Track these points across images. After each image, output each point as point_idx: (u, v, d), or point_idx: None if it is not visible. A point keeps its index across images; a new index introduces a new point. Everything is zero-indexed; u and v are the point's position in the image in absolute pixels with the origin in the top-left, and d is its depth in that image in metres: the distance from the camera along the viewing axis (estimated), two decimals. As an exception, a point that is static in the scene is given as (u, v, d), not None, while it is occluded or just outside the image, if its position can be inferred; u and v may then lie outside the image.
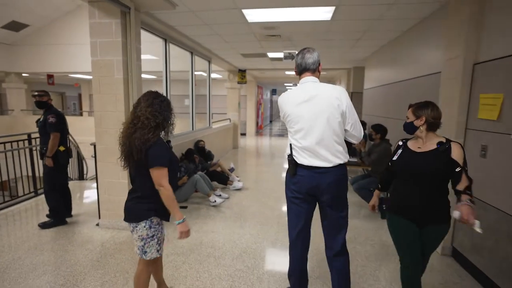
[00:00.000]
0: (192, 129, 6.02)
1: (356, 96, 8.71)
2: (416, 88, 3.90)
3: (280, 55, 6.64)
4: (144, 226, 1.81)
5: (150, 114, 1.75)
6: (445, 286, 2.49)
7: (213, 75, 8.84)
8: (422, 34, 3.80)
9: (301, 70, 1.99)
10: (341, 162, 1.92)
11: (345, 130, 1.94)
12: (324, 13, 3.72)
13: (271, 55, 6.82)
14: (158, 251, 1.89)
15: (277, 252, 3.02)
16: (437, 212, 1.84)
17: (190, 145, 5.26)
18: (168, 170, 1.78)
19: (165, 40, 4.55)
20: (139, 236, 1.83)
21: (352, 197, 4.56)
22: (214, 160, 5.76)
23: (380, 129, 4.06)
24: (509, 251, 2.22)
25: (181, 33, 4.70)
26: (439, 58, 3.23)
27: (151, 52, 6.27)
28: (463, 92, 2.76)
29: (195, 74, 6.10)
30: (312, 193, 1.96)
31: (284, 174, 6.62)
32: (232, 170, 5.90)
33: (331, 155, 1.89)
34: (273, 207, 4.30)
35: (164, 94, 4.64)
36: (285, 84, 17.12)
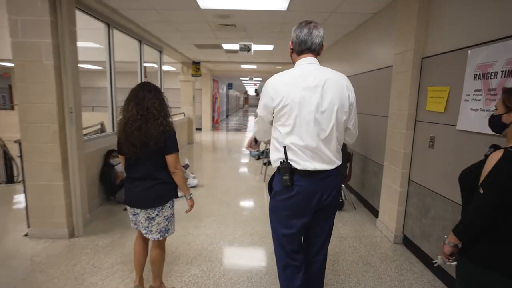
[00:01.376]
0: (142, 124, 5.59)
1: (311, 91, 8.85)
2: (371, 82, 3.99)
3: (236, 47, 6.44)
4: (169, 206, 2.01)
5: (160, 106, 1.90)
6: (399, 274, 2.56)
7: (165, 67, 8.34)
8: (375, 29, 3.89)
9: (303, 49, 1.57)
10: (340, 163, 1.64)
11: (347, 128, 1.64)
12: (280, 3, 3.61)
13: (226, 46, 6.59)
14: (174, 226, 2.12)
15: (235, 253, 2.87)
16: None
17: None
18: None
19: (108, 25, 4.09)
20: (165, 216, 1.99)
21: None
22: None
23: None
24: (455, 237, 2.32)
25: (126, 18, 4.27)
26: (392, 52, 3.31)
27: (95, 39, 5.67)
28: (413, 85, 2.85)
29: (145, 66, 5.65)
30: (313, 206, 1.59)
31: (243, 170, 6.41)
32: (186, 166, 5.61)
33: (333, 155, 1.58)
34: (230, 204, 4.14)
35: (108, 87, 4.28)
36: (241, 78, 16.96)
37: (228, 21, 4.49)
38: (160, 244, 2.10)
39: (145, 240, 2.16)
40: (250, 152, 7.58)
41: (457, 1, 2.36)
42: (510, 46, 1.87)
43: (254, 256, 2.83)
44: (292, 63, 1.69)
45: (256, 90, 31.43)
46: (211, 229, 3.31)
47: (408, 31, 2.87)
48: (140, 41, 5.37)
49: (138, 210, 1.97)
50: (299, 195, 1.56)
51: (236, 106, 35.58)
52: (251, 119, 21.94)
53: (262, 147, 7.60)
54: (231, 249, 2.92)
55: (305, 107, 1.50)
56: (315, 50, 1.60)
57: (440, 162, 2.52)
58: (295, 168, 1.54)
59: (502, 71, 1.93)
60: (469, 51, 2.21)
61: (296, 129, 1.52)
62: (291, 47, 1.64)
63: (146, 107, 1.85)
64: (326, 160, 1.56)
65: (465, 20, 2.28)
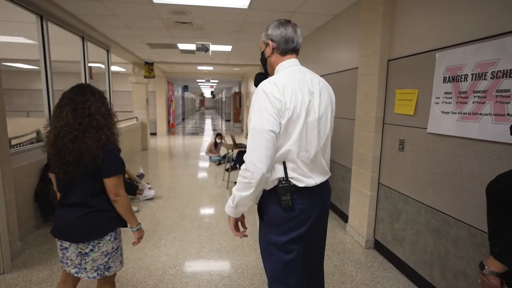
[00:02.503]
0: (88, 130, 4.96)
1: (270, 93, 8.78)
2: (335, 84, 3.92)
3: (192, 47, 6.08)
4: (110, 240, 1.59)
5: (107, 113, 1.57)
6: (375, 282, 2.47)
7: (113, 68, 7.63)
8: (337, 30, 3.85)
9: (289, 49, 1.41)
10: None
11: None
12: (241, 0, 3.39)
13: (181, 46, 6.20)
14: (121, 262, 1.71)
15: (201, 275, 2.56)
16: None
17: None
18: None
19: (41, 17, 3.51)
20: (103, 252, 1.58)
21: None
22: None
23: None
24: (428, 241, 2.30)
25: (63, 10, 3.72)
26: (355, 54, 3.27)
27: (27, 34, 4.91)
28: (380, 87, 2.81)
29: (90, 66, 5.03)
30: (314, 224, 1.42)
31: (204, 176, 6.04)
32: (141, 176, 5.12)
33: (327, 164, 1.47)
34: (192, 216, 3.80)
35: (44, 89, 3.68)
36: (198, 80, 16.46)
37: (184, 18, 4.15)
38: (109, 280, 1.70)
39: (73, 284, 1.72)
40: (210, 157, 7.25)
41: (423, 5, 2.35)
42: (479, 49, 1.87)
43: (224, 275, 2.55)
44: (255, 65, 1.52)
45: (212, 92, 30.90)
46: (173, 248, 2.96)
47: (373, 34, 2.83)
48: (83, 38, 4.76)
49: (67, 244, 1.54)
50: (299, 216, 1.37)
51: (192, 109, 34.68)
52: (208, 122, 21.43)
53: (222, 151, 7.32)
54: (197, 271, 2.61)
55: (311, 113, 1.34)
56: (298, 51, 1.47)
57: (411, 165, 2.49)
58: (294, 185, 1.34)
59: (472, 74, 1.91)
60: (437, 54, 2.19)
61: (302, 139, 1.32)
62: (272, 47, 1.43)
63: (88, 113, 1.49)
64: (322, 170, 1.43)
65: (432, 23, 2.26)
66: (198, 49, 5.29)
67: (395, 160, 2.68)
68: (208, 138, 12.37)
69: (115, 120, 1.63)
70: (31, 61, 8.23)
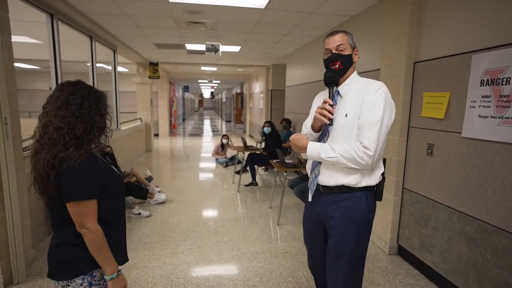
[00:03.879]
0: (95, 132, 4.85)
1: (276, 94, 8.72)
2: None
3: (200, 47, 6.00)
4: (81, 284, 1.18)
5: (64, 122, 1.12)
6: (405, 291, 2.40)
7: (118, 68, 7.51)
8: (354, 31, 3.77)
9: None
10: None
11: None
12: (259, 0, 3.31)
13: (189, 46, 6.11)
14: None
15: (224, 284, 2.47)
16: None
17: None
18: (106, 198, 1.20)
19: (51, 16, 3.41)
20: None
21: (288, 201, 4.34)
22: (126, 169, 4.77)
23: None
24: (462, 249, 2.23)
25: (74, 8, 3.61)
26: (375, 55, 3.20)
27: (30, 33, 4.79)
28: (406, 90, 2.74)
29: (96, 66, 4.92)
30: None
31: (211, 179, 5.94)
32: (150, 179, 5.02)
33: None
34: (207, 220, 3.71)
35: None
36: (199, 81, 16.36)
37: (198, 18, 4.06)
38: None
39: None
40: (217, 159, 7.15)
41: (455, 5, 2.28)
42: (524, 50, 1.80)
43: (249, 285, 2.45)
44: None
45: (212, 92, 30.79)
46: (192, 255, 2.86)
47: (399, 34, 2.76)
48: (91, 37, 4.66)
49: None
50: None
51: (191, 109, 34.57)
52: (207, 123, 21.34)
53: (229, 153, 7.23)
54: (220, 280, 2.52)
55: None
56: None
57: (442, 170, 2.41)
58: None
59: (516, 77, 1.85)
60: (472, 56, 2.12)
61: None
62: (357, 51, 1.61)
63: (43, 125, 1.14)
64: None
65: (466, 24, 2.19)
66: (208, 49, 5.19)
67: (423, 165, 2.61)
68: (209, 138, 12.28)
69: (106, 120, 1.25)
70: (32, 61, 8.11)
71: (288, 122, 6.20)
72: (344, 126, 1.45)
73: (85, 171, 1.13)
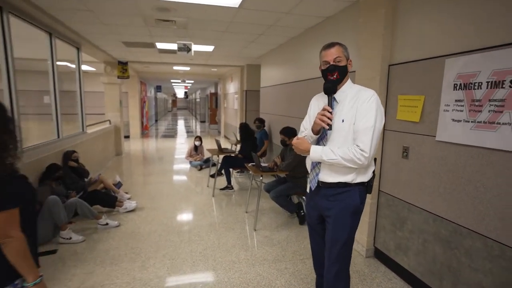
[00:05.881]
0: (58, 136, 4.49)
1: (251, 95, 8.63)
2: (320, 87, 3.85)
3: (172, 46, 5.77)
4: None
5: None
6: (383, 296, 2.39)
7: (83, 67, 7.07)
8: (328, 33, 3.76)
9: None
10: None
11: None
12: (232, -2, 3.19)
13: (160, 45, 5.86)
14: None
15: (199, 297, 2.33)
16: None
17: (55, 159, 3.85)
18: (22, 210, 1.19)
19: (1, 9, 3.08)
20: None
21: (264, 204, 4.25)
22: (93, 175, 4.47)
23: (290, 133, 3.89)
24: (437, 251, 2.25)
25: (29, 2, 3.29)
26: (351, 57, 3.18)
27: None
28: (381, 92, 2.74)
29: (57, 64, 4.56)
30: None
31: (186, 183, 5.75)
32: (119, 185, 4.74)
33: None
34: (180, 229, 3.54)
35: (6, 89, 3.24)
36: (172, 81, 15.92)
37: (168, 16, 3.87)
38: None
39: None
40: (191, 162, 6.94)
41: (429, 10, 2.30)
42: (495, 56, 1.82)
43: (223, 298, 2.34)
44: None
45: (186, 92, 30.17)
46: (164, 268, 2.69)
47: (374, 37, 2.76)
48: (50, 34, 4.30)
49: None
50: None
51: (164, 110, 33.68)
52: (181, 123, 20.87)
53: (206, 155, 7.04)
54: (193, 293, 2.38)
55: None
56: None
57: (416, 173, 2.43)
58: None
59: (487, 82, 1.87)
60: (446, 60, 2.14)
61: None
62: (350, 62, 1.78)
63: None
64: None
65: (439, 28, 2.21)
66: (180, 49, 5.00)
67: (398, 168, 2.62)
68: (183, 140, 11.97)
69: (9, 135, 1.18)
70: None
71: (261, 121, 6.13)
72: (341, 130, 1.66)
73: (4, 182, 1.14)
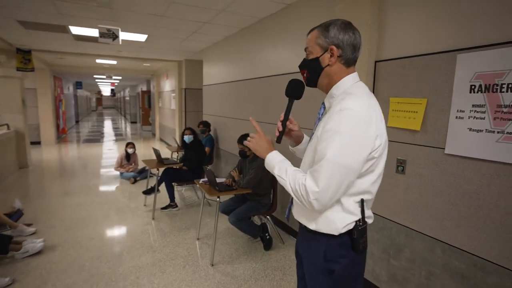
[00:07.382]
0: None
1: (191, 93, 7.76)
2: (277, 86, 3.30)
3: (92, 32, 4.61)
4: None
5: None
6: None
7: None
8: (293, 21, 3.21)
9: (355, 59, 1.17)
10: None
11: None
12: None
13: (75, 30, 4.64)
14: None
15: None
16: None
17: None
18: None
19: None
20: None
21: (220, 225, 3.50)
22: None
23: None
24: (446, 284, 1.86)
25: None
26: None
27: None
28: (367, 94, 2.28)
29: None
30: None
31: (116, 202, 4.65)
32: (18, 215, 3.53)
33: None
34: (111, 276, 2.61)
35: None
36: (95, 76, 13.87)
37: (83, -13, 2.86)
38: None
39: None
40: (122, 173, 5.79)
41: (429, -8, 1.89)
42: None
43: None
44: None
45: (113, 90, 27.19)
46: None
47: (355, 25, 2.27)
48: None
49: None
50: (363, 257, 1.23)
51: (87, 109, 29.96)
52: (108, 125, 18.57)
53: (141, 164, 5.95)
54: None
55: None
56: None
57: (416, 192, 2.02)
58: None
59: (520, 83, 1.50)
60: (457, 56, 1.74)
61: (379, 178, 1.16)
62: (337, 55, 1.13)
63: None
64: None
65: (448, 16, 1.81)
66: (102, 35, 3.93)
67: (392, 184, 2.19)
68: (111, 144, 10.40)
69: None
70: None
71: (206, 125, 5.38)
72: (310, 150, 1.18)
73: None
